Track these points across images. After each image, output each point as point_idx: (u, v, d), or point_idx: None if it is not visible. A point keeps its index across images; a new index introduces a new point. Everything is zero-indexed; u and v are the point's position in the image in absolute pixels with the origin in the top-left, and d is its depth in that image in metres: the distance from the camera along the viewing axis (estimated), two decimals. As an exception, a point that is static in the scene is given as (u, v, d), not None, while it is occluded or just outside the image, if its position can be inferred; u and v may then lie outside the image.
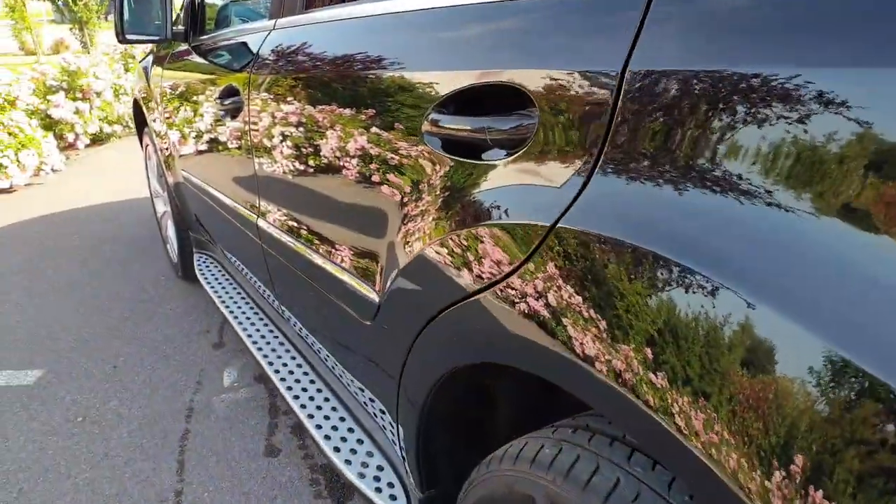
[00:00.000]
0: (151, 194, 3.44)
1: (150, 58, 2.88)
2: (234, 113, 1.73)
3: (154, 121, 2.80)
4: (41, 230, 4.08)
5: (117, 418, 2.13)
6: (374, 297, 1.16)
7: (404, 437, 1.17)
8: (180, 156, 2.52)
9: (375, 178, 1.08)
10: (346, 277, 1.28)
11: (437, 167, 0.92)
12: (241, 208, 1.86)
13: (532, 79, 0.74)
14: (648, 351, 0.57)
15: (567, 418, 0.86)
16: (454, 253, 0.86)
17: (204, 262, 2.68)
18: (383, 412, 1.36)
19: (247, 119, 1.63)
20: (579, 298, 0.65)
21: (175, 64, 2.48)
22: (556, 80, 0.71)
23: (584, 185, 0.67)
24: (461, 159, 0.87)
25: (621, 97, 0.63)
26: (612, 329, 0.61)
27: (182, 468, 1.89)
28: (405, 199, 1.01)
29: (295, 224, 1.51)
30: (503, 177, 0.79)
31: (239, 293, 2.38)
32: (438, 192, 0.92)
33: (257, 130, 1.58)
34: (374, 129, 1.07)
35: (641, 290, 0.57)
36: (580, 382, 0.67)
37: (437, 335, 0.95)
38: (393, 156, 1.02)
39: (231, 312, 2.25)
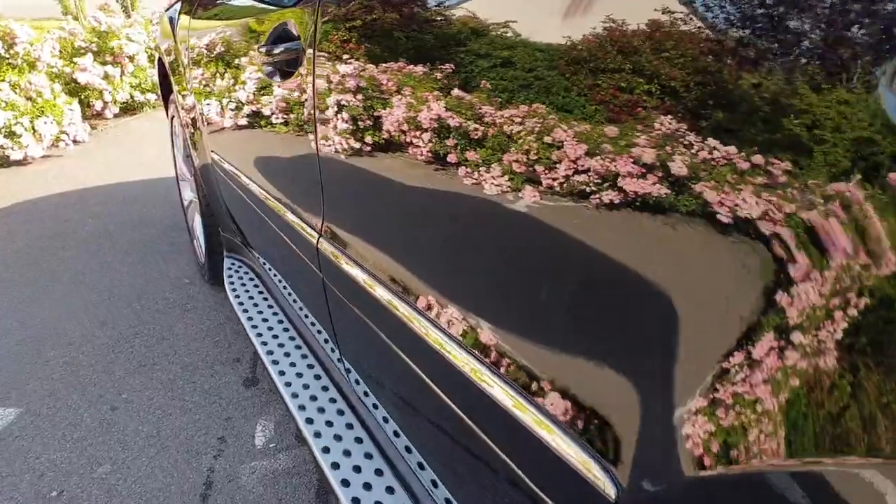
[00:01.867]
0: (178, 177, 2.85)
1: (179, 5, 2.25)
2: (287, 68, 1.09)
3: (179, 86, 2.18)
4: (51, 211, 3.54)
5: (105, 496, 1.53)
6: (609, 489, 0.50)
7: None
8: (209, 132, 1.89)
9: (614, 209, 0.45)
10: (508, 404, 0.63)
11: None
12: (292, 217, 1.23)
13: None
14: None
15: None
16: None
17: (236, 271, 2.06)
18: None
19: (309, 78, 0.99)
20: None
21: (206, 10, 1.85)
22: None
23: None
24: None
25: None
26: None
27: None
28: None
29: (388, 264, 0.86)
30: None
31: (280, 320, 1.75)
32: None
33: (327, 97, 0.93)
34: (620, 97, 0.44)
35: None
36: None
37: None
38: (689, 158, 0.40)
39: (266, 347, 1.62)
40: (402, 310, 0.84)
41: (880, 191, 0.31)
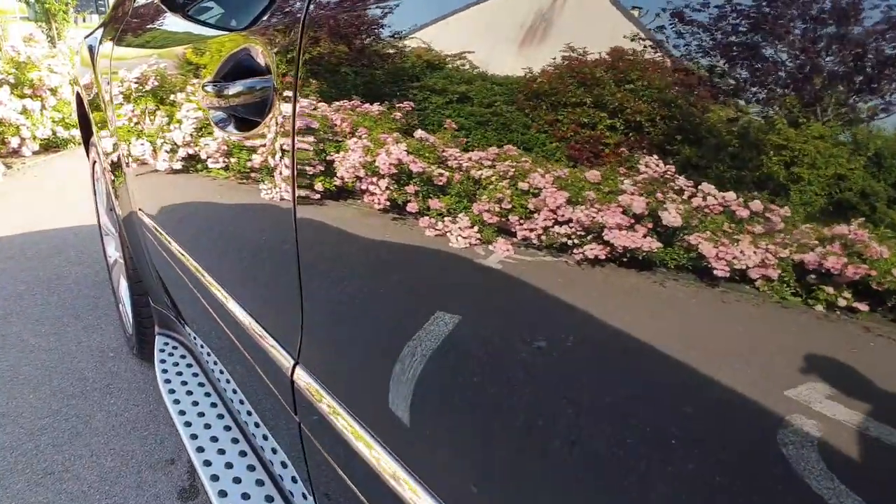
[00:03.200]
0: (101, 231, 2.43)
1: (100, 32, 1.89)
2: (247, 115, 0.77)
3: (99, 127, 1.81)
4: (-50, 268, 3.03)
5: None
6: None
7: None
8: (136, 186, 1.53)
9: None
10: None
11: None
12: (251, 324, 0.89)
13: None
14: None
15: None
16: None
17: (170, 354, 1.68)
18: None
19: (285, 131, 0.67)
20: None
21: (134, 37, 1.51)
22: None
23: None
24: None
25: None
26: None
27: None
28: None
29: (409, 425, 0.56)
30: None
31: (226, 426, 1.39)
32: None
33: (317, 159, 0.63)
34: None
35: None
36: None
37: None
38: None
39: (209, 468, 1.25)
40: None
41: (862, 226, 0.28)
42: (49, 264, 3.07)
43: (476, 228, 0.47)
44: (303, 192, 0.66)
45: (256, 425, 1.19)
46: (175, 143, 1.17)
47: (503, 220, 0.45)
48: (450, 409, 0.53)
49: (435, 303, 0.53)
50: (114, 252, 2.24)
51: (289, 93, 0.65)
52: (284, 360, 0.76)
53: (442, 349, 0.53)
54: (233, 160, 0.88)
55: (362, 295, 0.63)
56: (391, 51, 0.56)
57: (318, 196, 0.65)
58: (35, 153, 5.25)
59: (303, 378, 0.72)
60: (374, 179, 0.56)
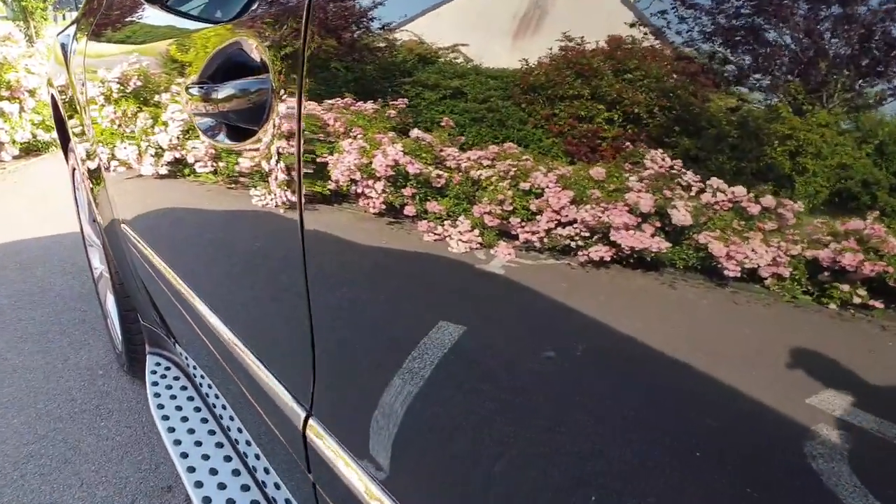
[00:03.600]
0: (84, 241, 2.30)
1: (73, 28, 1.76)
2: (240, 122, 0.65)
3: (75, 132, 1.68)
4: (-74, 283, 2.89)
5: None
6: None
7: None
8: (119, 198, 1.41)
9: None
10: None
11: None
12: (253, 363, 0.77)
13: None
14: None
15: None
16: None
17: (162, 375, 1.56)
18: None
19: (289, 141, 0.56)
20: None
21: (113, 32, 1.38)
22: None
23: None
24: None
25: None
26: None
27: None
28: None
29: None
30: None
31: (226, 456, 1.27)
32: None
33: (328, 175, 0.51)
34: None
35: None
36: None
37: None
38: None
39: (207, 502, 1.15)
40: None
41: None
42: (31, 277, 2.93)
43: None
44: (311, 211, 0.55)
45: (257, 457, 1.09)
46: (158, 149, 1.05)
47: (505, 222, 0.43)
48: (493, 475, 0.43)
49: (475, 347, 0.43)
50: (99, 264, 2.11)
51: (292, 94, 0.54)
52: (294, 412, 0.65)
53: (480, 401, 0.43)
54: (231, 180, 0.76)
55: (394, 327, 0.52)
56: (417, 40, 0.45)
57: (330, 214, 0.53)
58: (15, 158, 5.09)
59: (318, 433, 0.61)
60: (405, 191, 0.45)
